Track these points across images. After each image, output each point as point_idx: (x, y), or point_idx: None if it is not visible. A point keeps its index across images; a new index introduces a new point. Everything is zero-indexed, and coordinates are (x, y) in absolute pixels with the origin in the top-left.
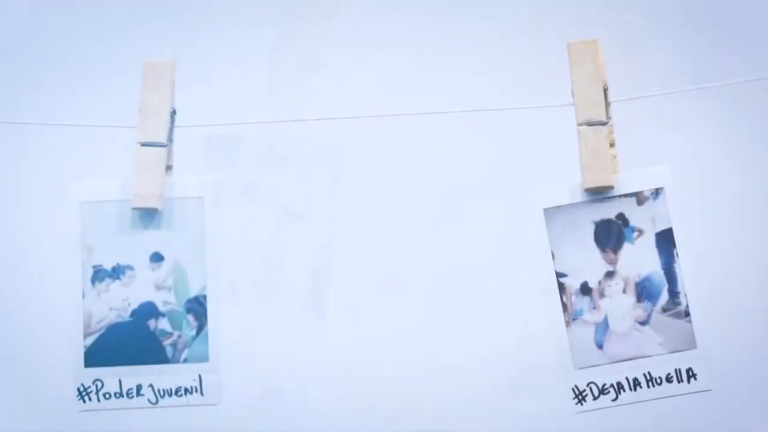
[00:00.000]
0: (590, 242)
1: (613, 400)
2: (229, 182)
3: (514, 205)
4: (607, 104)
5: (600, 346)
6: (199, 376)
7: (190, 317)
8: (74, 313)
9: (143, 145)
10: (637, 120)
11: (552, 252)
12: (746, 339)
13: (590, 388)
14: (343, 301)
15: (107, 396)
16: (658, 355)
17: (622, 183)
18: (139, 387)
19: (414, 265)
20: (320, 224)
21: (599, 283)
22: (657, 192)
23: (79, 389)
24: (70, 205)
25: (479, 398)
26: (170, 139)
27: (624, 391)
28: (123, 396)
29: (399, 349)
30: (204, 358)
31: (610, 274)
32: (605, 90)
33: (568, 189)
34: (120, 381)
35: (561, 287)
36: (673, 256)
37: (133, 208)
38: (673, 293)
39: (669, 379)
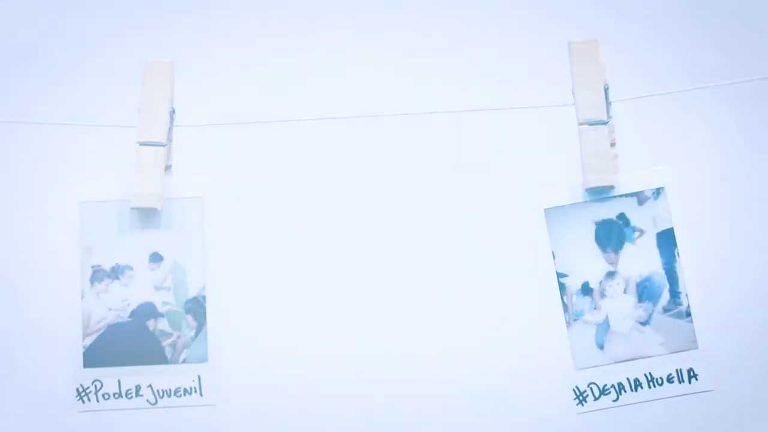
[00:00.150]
0: (591, 242)
1: (614, 401)
2: (228, 182)
3: (515, 205)
4: (608, 104)
5: (601, 347)
6: (198, 377)
7: (190, 318)
8: (73, 314)
9: (143, 144)
10: (638, 120)
11: (553, 252)
12: (747, 339)
13: (591, 388)
14: (343, 302)
15: (106, 396)
16: (659, 355)
17: (623, 183)
18: (138, 387)
19: (414, 265)
20: (320, 224)
21: (600, 283)
22: (658, 192)
23: (78, 390)
24: (69, 205)
25: (480, 398)
26: (170, 139)
27: (625, 391)
28: (122, 396)
29: (399, 349)
30: (203, 359)
31: (610, 274)
32: (606, 90)
33: (569, 189)
34: (119, 381)
35: (562, 287)
36: (674, 256)
37: (133, 208)
38: (674, 293)
39: (670, 380)
